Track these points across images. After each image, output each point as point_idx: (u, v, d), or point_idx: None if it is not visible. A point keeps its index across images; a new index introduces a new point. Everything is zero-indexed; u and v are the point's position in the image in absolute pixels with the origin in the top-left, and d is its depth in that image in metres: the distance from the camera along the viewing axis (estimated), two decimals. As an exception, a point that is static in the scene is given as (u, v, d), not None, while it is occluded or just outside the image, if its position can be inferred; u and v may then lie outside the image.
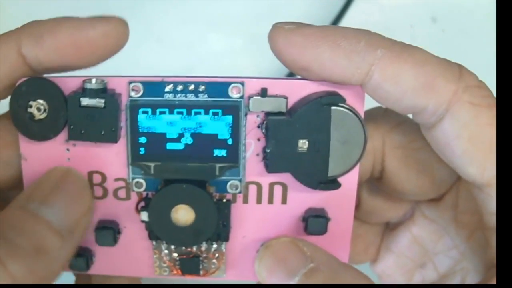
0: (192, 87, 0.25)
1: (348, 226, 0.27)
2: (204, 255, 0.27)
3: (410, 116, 0.25)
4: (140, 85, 0.25)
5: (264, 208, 0.27)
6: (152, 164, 0.25)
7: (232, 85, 0.25)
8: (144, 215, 0.26)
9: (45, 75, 0.25)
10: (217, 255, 0.27)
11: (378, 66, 0.23)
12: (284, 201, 0.27)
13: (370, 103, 0.26)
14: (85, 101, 0.24)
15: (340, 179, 0.26)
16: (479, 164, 0.23)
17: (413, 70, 0.23)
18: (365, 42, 0.23)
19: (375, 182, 0.29)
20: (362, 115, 0.25)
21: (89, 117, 0.24)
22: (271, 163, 0.25)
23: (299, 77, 0.25)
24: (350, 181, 0.26)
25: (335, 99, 0.24)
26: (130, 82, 0.25)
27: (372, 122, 0.27)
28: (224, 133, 0.25)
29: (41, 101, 0.24)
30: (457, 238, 0.28)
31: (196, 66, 0.41)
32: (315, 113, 0.24)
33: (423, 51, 0.23)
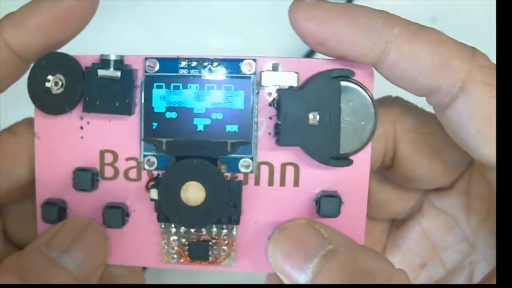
0: (206, 63, 0.26)
1: (363, 208, 0.26)
2: (214, 240, 0.26)
3: (423, 99, 0.25)
4: (155, 61, 0.26)
5: (276, 191, 0.26)
6: (164, 140, 0.25)
7: (245, 61, 0.26)
8: (154, 193, 0.26)
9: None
10: (227, 241, 0.26)
11: (394, 43, 0.23)
12: (296, 183, 0.26)
13: (379, 93, 0.27)
14: (102, 72, 0.25)
15: (353, 160, 0.25)
16: (493, 143, 0.23)
17: (428, 49, 0.23)
18: (383, 20, 0.23)
19: (385, 172, 0.28)
20: (372, 92, 0.25)
21: (105, 88, 0.25)
22: (282, 135, 0.25)
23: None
24: (363, 162, 0.26)
25: (345, 72, 0.25)
26: (146, 59, 0.26)
27: (383, 108, 0.27)
28: (236, 108, 0.25)
29: (59, 76, 0.25)
30: (467, 228, 0.27)
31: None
32: (325, 86, 0.25)
33: (439, 32, 0.24)
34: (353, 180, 0.26)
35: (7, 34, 0.25)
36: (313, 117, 0.25)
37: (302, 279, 0.23)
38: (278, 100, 0.25)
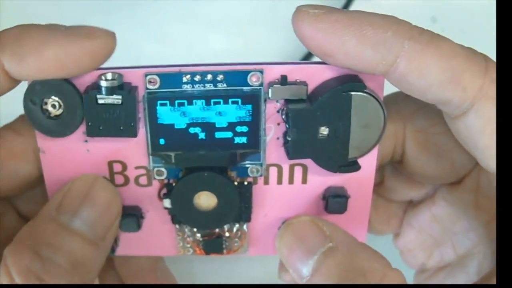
0: (210, 77, 0.24)
1: (367, 204, 0.27)
2: (227, 235, 0.28)
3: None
4: (156, 77, 0.24)
5: (284, 188, 0.27)
6: (172, 154, 0.25)
7: (251, 73, 0.24)
8: (167, 202, 0.26)
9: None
10: (239, 234, 0.28)
11: (404, 58, 0.22)
12: (304, 181, 0.27)
13: (390, 88, 0.26)
14: (101, 99, 0.24)
15: (359, 160, 0.26)
16: None
17: (439, 64, 0.22)
18: (392, 33, 0.22)
19: (396, 166, 0.29)
20: (382, 98, 0.25)
21: (107, 113, 0.24)
22: (293, 150, 0.25)
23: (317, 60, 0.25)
24: (369, 162, 0.26)
25: (356, 86, 0.24)
26: (146, 75, 0.24)
27: (393, 106, 0.27)
28: (244, 121, 0.25)
29: (56, 98, 0.24)
30: (475, 221, 0.28)
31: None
32: (336, 101, 0.24)
33: (451, 43, 0.22)
34: (359, 177, 0.27)
35: (7, 62, 0.22)
36: (323, 131, 0.25)
37: (304, 273, 0.25)
38: (288, 116, 0.24)
